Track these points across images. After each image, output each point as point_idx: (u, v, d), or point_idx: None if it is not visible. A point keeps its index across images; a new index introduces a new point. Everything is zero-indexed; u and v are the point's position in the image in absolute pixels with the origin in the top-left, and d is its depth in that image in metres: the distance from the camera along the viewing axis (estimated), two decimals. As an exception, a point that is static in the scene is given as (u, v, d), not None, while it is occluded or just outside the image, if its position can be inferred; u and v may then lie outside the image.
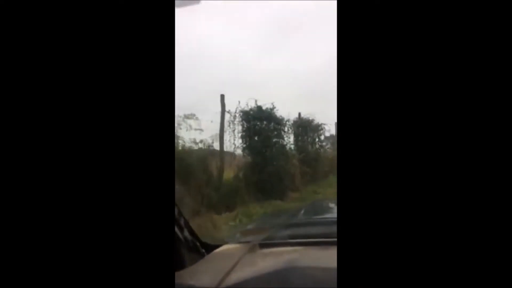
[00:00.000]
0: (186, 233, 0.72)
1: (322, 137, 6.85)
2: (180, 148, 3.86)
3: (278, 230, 1.01)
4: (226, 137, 4.60)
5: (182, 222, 0.71)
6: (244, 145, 4.72)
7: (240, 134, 4.71)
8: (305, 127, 6.31)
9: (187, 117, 4.20)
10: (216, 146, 4.51)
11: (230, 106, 4.66)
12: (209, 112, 4.47)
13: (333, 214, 1.34)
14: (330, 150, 7.60)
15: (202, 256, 0.76)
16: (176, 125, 3.79)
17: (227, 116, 4.63)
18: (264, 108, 4.77)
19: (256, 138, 4.66)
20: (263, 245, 0.82)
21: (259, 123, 4.69)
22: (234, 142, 4.71)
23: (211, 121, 4.47)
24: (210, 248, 0.81)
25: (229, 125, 4.66)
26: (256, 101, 4.73)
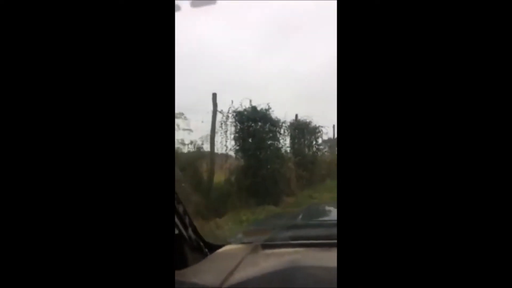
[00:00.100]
0: (190, 232, 0.72)
1: (320, 140, 6.68)
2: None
3: (279, 231, 1.02)
4: (218, 138, 4.38)
5: (187, 220, 0.70)
6: (237, 147, 4.51)
7: (232, 136, 4.50)
8: (302, 129, 6.15)
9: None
10: (207, 147, 4.30)
11: (225, 106, 4.45)
12: (201, 112, 4.24)
13: (331, 217, 1.36)
14: (328, 153, 7.48)
15: (205, 255, 0.77)
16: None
17: (219, 116, 4.40)
18: (259, 108, 4.56)
19: (250, 140, 4.44)
20: (265, 246, 0.83)
21: (254, 124, 4.48)
22: (226, 144, 4.49)
23: (202, 121, 4.24)
24: (213, 248, 0.81)
25: (221, 126, 4.43)
26: (250, 101, 4.52)
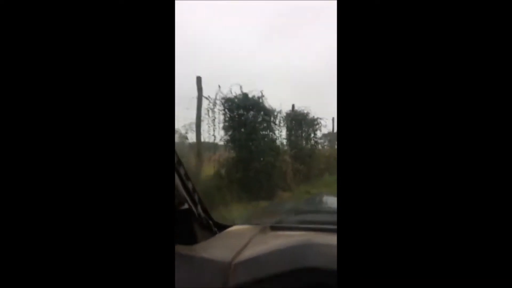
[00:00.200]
0: (200, 209, 0.72)
1: (318, 133, 6.33)
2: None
3: (287, 216, 1.06)
4: (205, 127, 4.00)
5: (196, 197, 0.72)
6: (228, 138, 4.14)
7: (222, 125, 4.13)
8: (300, 121, 5.82)
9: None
10: (192, 138, 3.93)
11: (214, 94, 4.08)
12: (184, 99, 3.85)
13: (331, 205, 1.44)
14: (327, 147, 7.15)
15: (214, 234, 0.79)
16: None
17: (205, 103, 4.02)
18: (250, 95, 4.20)
19: (242, 130, 4.08)
20: (274, 228, 0.85)
21: (245, 113, 4.12)
22: (214, 134, 4.12)
23: (187, 108, 3.86)
24: (221, 227, 0.83)
25: (208, 113, 4.05)
26: (241, 87, 4.16)
